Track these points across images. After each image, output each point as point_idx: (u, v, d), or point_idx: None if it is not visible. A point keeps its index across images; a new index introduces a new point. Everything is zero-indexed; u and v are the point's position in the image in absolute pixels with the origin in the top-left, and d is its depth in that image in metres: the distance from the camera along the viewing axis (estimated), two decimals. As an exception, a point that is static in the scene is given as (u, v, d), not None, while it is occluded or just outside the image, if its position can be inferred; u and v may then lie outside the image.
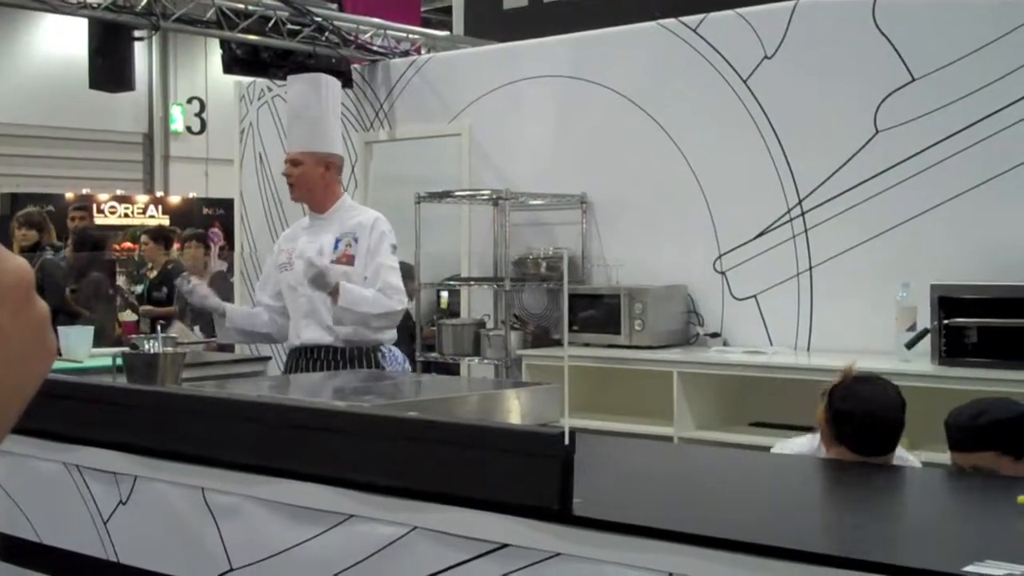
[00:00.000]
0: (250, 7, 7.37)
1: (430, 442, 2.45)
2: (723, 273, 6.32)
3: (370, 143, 7.98)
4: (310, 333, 4.70)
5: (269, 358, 6.67)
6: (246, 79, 8.45)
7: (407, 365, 5.43)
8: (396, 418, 2.71)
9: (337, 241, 4.74)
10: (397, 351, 5.34)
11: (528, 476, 2.21)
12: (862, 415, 3.14)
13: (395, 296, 4.62)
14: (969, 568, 1.70)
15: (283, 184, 8.51)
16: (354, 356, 4.67)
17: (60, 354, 5.75)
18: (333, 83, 5.04)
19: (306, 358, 4.72)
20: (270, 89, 8.46)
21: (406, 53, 8.13)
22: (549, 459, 2.15)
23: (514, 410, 3.27)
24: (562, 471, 2.14)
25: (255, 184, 8.65)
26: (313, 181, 4.85)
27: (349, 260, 4.67)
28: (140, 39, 7.40)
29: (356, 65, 7.99)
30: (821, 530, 2.14)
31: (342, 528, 2.52)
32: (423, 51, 8.29)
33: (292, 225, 5.15)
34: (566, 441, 2.12)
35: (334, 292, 4.47)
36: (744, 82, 6.20)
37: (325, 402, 3.31)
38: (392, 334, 4.83)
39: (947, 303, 5.12)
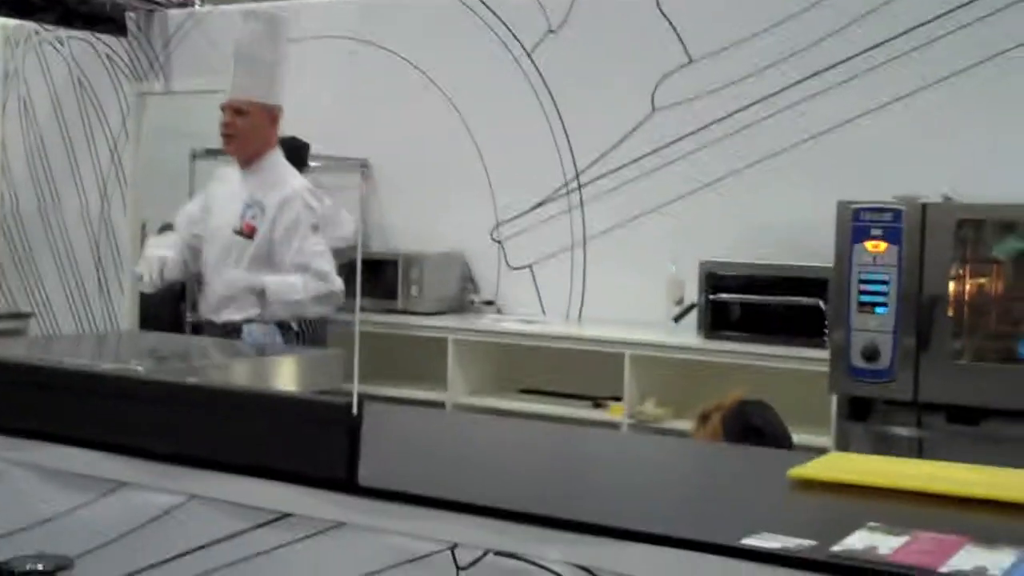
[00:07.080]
0: (18, -55, 7.01)
1: (209, 409, 2.40)
2: (500, 242, 6.40)
3: (144, 94, 7.72)
4: (231, 312, 4.45)
5: (31, 314, 6.39)
6: (12, 21, 8.04)
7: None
8: (173, 383, 2.64)
9: (246, 208, 4.48)
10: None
11: (314, 445, 2.19)
12: (762, 432, 3.17)
13: (328, 279, 4.47)
14: (747, 541, 1.77)
15: (50, 134, 8.25)
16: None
17: None
18: (287, 25, 4.74)
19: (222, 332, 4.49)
20: (38, 33, 8.07)
21: (184, 4, 7.88)
22: (335, 427, 2.14)
23: (295, 376, 3.24)
24: (349, 440, 2.13)
25: (18, 133, 8.26)
26: (257, 135, 4.56)
27: (251, 232, 4.43)
28: None
29: (131, 13, 7.71)
30: (599, 499, 2.20)
31: (114, 496, 2.45)
32: (201, 3, 8.05)
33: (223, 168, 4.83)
34: (354, 410, 2.12)
35: (260, 293, 4.35)
36: (528, 55, 6.27)
37: (96, 364, 3.20)
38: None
39: (713, 279, 5.34)
